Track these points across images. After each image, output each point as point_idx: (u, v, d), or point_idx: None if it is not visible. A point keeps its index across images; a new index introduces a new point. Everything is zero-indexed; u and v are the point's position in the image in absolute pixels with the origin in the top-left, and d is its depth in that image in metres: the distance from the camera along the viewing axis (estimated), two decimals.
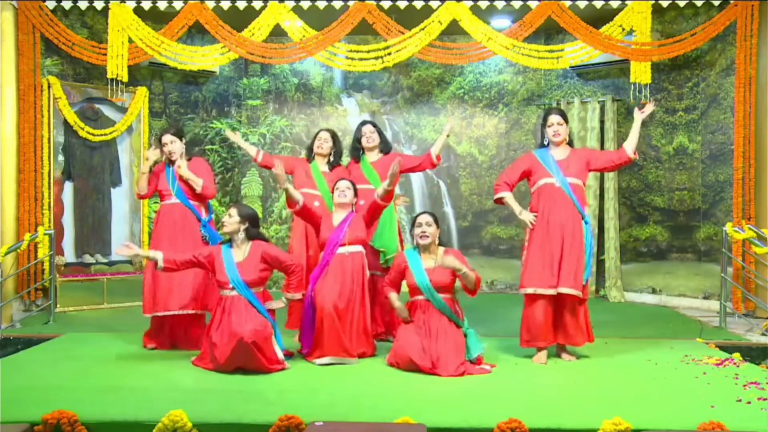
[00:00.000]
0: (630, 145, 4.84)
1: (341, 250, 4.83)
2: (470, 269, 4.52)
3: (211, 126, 8.65)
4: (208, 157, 8.53)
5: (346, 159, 5.83)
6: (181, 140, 5.30)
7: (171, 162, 5.29)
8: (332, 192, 5.03)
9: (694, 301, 7.45)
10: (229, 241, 4.67)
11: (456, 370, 4.32)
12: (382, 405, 3.62)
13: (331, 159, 5.63)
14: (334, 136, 5.68)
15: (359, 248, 4.91)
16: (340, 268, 4.79)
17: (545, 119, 4.96)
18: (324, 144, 5.60)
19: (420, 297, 4.64)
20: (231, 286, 4.49)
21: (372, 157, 5.60)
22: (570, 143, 4.97)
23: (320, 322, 4.67)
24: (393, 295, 4.76)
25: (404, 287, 4.79)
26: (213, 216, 5.45)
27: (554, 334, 4.81)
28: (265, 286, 4.64)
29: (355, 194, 5.01)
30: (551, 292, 4.67)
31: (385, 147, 5.66)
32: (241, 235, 4.61)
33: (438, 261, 4.64)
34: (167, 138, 5.26)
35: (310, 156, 5.68)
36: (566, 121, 4.93)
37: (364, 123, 5.71)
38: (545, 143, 4.95)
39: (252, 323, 4.36)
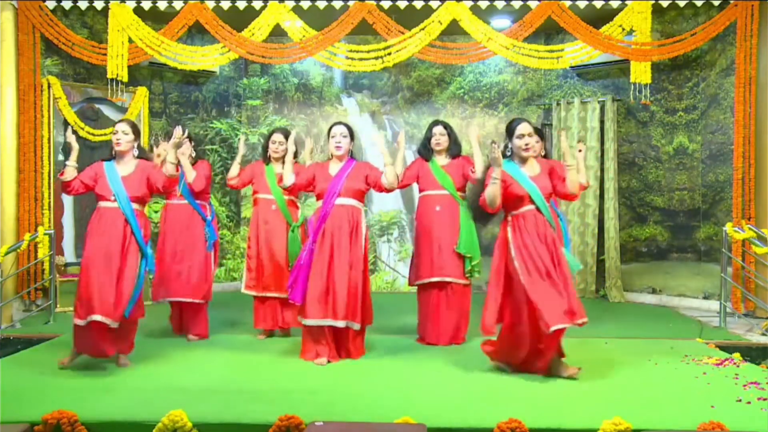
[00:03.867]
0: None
1: (339, 200, 4.75)
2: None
3: (211, 126, 8.65)
4: (208, 157, 8.53)
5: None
6: (190, 143, 5.65)
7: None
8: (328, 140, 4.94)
9: (694, 301, 7.45)
10: (112, 158, 4.63)
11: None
12: (382, 405, 3.62)
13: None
14: (287, 137, 5.52)
15: (355, 202, 4.81)
16: (338, 220, 4.72)
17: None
18: (279, 147, 5.55)
19: (530, 207, 4.25)
20: (113, 198, 4.49)
21: (441, 160, 5.45)
22: (545, 155, 5.23)
23: (317, 280, 4.64)
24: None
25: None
26: (215, 216, 5.77)
27: None
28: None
29: (352, 139, 4.92)
30: None
31: (455, 149, 5.47)
32: (135, 152, 4.64)
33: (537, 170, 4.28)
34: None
35: (266, 158, 5.62)
36: (542, 137, 5.25)
37: (436, 123, 5.54)
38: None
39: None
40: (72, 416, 3.34)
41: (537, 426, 3.26)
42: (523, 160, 4.33)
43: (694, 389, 4.01)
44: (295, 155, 5.15)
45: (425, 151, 5.49)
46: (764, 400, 3.71)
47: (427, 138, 5.48)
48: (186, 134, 5.41)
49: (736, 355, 4.86)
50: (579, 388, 4.05)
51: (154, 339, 5.44)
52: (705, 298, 7.38)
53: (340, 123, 4.98)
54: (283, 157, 5.51)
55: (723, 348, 5.19)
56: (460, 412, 3.49)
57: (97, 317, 4.28)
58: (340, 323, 4.63)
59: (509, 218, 4.29)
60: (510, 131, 4.35)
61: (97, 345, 4.43)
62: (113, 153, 4.66)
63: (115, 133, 4.61)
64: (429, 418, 3.32)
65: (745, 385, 4.03)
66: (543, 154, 5.43)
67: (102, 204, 4.54)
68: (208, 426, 3.33)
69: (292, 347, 5.09)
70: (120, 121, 4.74)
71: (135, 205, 4.53)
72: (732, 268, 6.47)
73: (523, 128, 4.28)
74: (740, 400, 3.72)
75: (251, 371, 4.46)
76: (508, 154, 4.36)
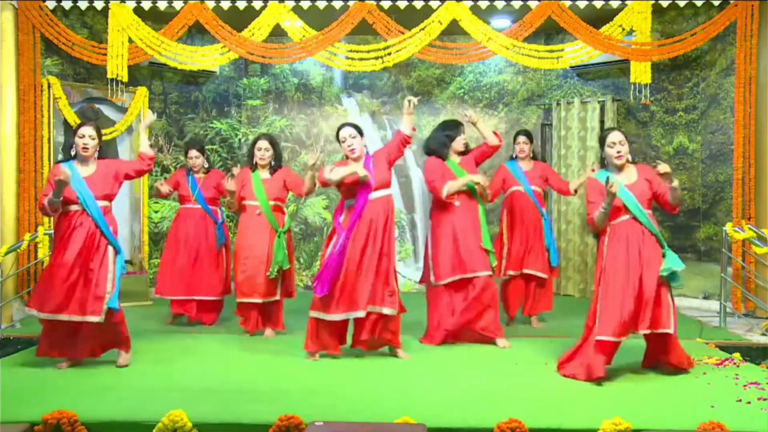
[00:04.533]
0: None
1: (373, 195, 4.73)
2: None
3: (211, 126, 8.65)
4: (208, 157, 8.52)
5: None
6: (203, 156, 6.25)
7: (193, 171, 6.24)
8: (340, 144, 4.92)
9: (694, 301, 7.44)
10: (73, 158, 4.60)
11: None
12: (382, 405, 3.62)
13: (273, 164, 5.65)
14: (272, 143, 5.67)
15: (387, 191, 4.82)
16: (375, 213, 4.71)
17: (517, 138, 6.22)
18: (265, 154, 5.61)
19: (626, 217, 4.27)
20: (78, 200, 4.46)
21: (457, 158, 5.46)
22: (534, 157, 6.20)
23: (345, 276, 4.66)
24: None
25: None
26: (224, 218, 6.44)
27: (524, 306, 6.12)
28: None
29: (362, 136, 4.90)
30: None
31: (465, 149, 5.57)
32: (96, 153, 4.63)
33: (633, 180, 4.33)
34: (192, 153, 6.21)
35: (252, 164, 5.66)
36: (531, 140, 6.16)
37: (461, 125, 5.56)
38: (513, 156, 6.19)
39: None
40: (72, 416, 3.34)
41: (537, 426, 3.27)
42: (619, 168, 4.35)
43: (694, 389, 4.02)
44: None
45: (444, 150, 5.42)
46: (764, 400, 3.72)
47: (451, 138, 5.43)
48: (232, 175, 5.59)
49: (736, 355, 4.86)
50: (579, 388, 4.06)
51: (154, 338, 5.44)
52: (705, 298, 7.37)
53: (346, 125, 4.92)
54: (269, 163, 5.63)
55: (723, 348, 5.19)
56: (460, 412, 3.50)
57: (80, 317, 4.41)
58: (360, 313, 4.67)
59: (608, 228, 4.30)
60: (602, 141, 4.42)
61: (83, 345, 4.53)
62: (74, 155, 4.61)
63: (81, 137, 4.55)
64: (429, 418, 3.32)
65: (745, 385, 4.03)
66: (532, 155, 6.16)
67: (69, 207, 4.48)
68: (208, 426, 3.33)
69: (291, 347, 5.09)
70: (82, 125, 4.66)
71: (101, 203, 4.52)
72: (732, 268, 6.47)
73: (613, 137, 4.34)
74: (740, 400, 3.72)
75: (251, 371, 4.47)
76: (605, 165, 4.42)
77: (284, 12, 6.84)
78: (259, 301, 5.53)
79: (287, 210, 5.70)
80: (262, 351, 5.07)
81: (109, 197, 4.59)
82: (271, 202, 5.56)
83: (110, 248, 4.50)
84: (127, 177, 4.74)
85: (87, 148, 4.55)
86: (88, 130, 4.58)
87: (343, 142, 4.84)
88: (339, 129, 4.91)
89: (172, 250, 6.17)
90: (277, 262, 5.48)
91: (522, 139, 6.14)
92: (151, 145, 4.76)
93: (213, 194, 6.20)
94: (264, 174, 5.63)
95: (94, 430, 3.34)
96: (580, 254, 8.03)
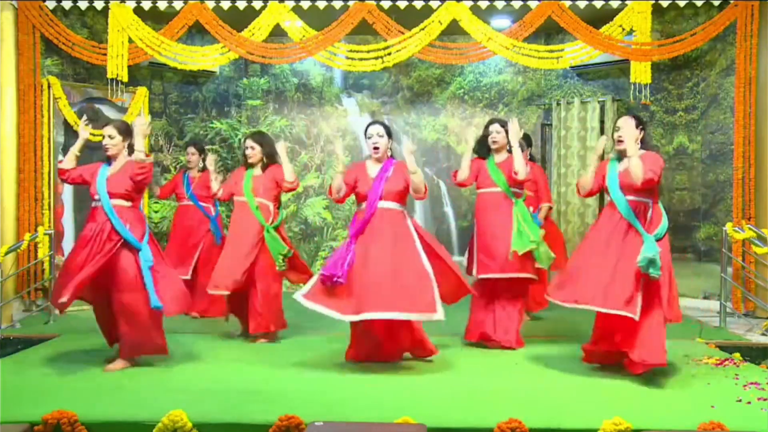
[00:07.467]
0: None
1: (381, 204, 4.56)
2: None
3: (211, 126, 8.65)
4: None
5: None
6: (200, 155, 6.59)
7: (188, 169, 6.66)
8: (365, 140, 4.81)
9: (694, 301, 7.44)
10: (109, 160, 4.65)
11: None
12: (382, 405, 3.62)
13: (264, 161, 5.60)
14: (260, 142, 5.60)
15: (395, 205, 4.60)
16: (378, 224, 4.54)
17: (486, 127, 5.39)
18: (250, 152, 5.58)
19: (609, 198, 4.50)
20: (98, 197, 4.50)
21: (498, 157, 5.29)
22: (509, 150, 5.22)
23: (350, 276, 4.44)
24: None
25: None
26: (219, 213, 6.73)
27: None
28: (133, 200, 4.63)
29: (390, 138, 4.74)
30: None
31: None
32: (126, 151, 4.65)
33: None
34: (190, 149, 6.67)
35: (246, 163, 5.66)
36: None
37: (492, 122, 5.37)
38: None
39: None
40: (72, 416, 3.34)
41: (537, 426, 3.27)
42: (623, 153, 4.41)
43: (694, 389, 4.02)
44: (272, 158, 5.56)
45: (482, 149, 5.32)
46: (764, 400, 3.72)
47: (485, 135, 5.31)
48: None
49: (736, 355, 4.86)
50: (579, 388, 4.06)
51: None
52: (705, 298, 7.38)
53: (376, 122, 4.83)
54: (261, 160, 5.59)
55: (723, 348, 5.19)
56: (460, 412, 3.50)
57: None
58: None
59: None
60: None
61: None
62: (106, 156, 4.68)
63: (102, 138, 4.65)
64: (429, 418, 3.32)
65: (745, 385, 4.03)
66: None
67: (93, 204, 4.57)
68: (208, 426, 3.33)
69: (291, 347, 5.10)
70: (106, 124, 4.74)
71: (115, 201, 4.49)
72: (732, 268, 6.47)
73: (617, 123, 4.48)
74: (740, 400, 3.73)
75: (251, 371, 4.46)
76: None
77: (284, 12, 6.85)
78: (225, 293, 5.47)
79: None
80: (262, 351, 5.07)
81: (122, 196, 4.51)
82: (258, 199, 5.49)
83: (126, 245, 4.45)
84: (139, 183, 4.62)
85: (107, 148, 4.63)
86: (108, 130, 4.66)
87: (369, 138, 4.72)
88: (369, 125, 4.81)
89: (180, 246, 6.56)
90: (277, 253, 5.40)
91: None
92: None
93: (206, 193, 6.27)
94: (256, 171, 5.60)
95: (94, 430, 3.34)
96: None
